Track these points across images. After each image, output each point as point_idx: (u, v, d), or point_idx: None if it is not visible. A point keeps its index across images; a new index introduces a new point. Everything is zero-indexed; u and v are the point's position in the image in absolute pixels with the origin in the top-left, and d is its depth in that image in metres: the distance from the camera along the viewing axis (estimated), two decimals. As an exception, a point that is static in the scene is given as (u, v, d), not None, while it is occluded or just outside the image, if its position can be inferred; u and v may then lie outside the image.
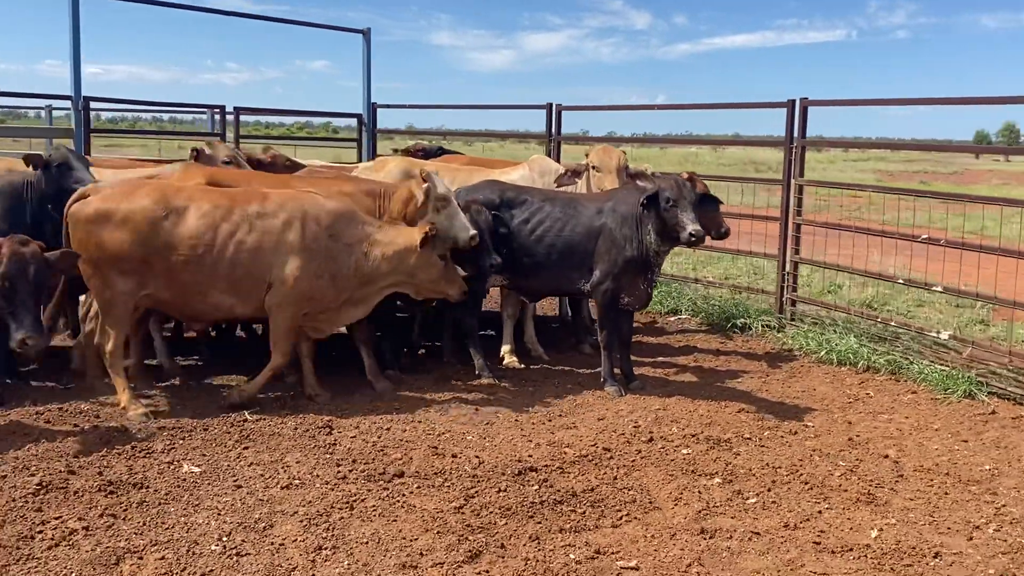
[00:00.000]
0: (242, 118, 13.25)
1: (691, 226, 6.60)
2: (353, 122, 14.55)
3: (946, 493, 5.54)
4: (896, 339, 8.68)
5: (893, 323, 8.88)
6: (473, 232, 6.83)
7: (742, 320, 9.79)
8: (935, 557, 4.67)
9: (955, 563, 4.63)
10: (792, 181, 9.55)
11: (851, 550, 4.73)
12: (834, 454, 6.15)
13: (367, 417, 6.51)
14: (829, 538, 4.86)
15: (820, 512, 5.19)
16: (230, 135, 12.88)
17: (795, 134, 9.49)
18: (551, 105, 12.09)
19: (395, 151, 12.39)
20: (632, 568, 4.45)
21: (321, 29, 14.42)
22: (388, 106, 14.56)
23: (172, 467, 5.49)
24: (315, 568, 4.34)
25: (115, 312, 6.30)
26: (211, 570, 4.30)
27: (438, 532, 4.74)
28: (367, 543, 4.59)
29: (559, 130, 12.07)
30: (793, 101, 9.46)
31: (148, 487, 5.20)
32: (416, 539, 4.65)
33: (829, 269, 9.81)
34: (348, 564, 4.38)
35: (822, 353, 8.69)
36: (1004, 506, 5.35)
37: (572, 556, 4.52)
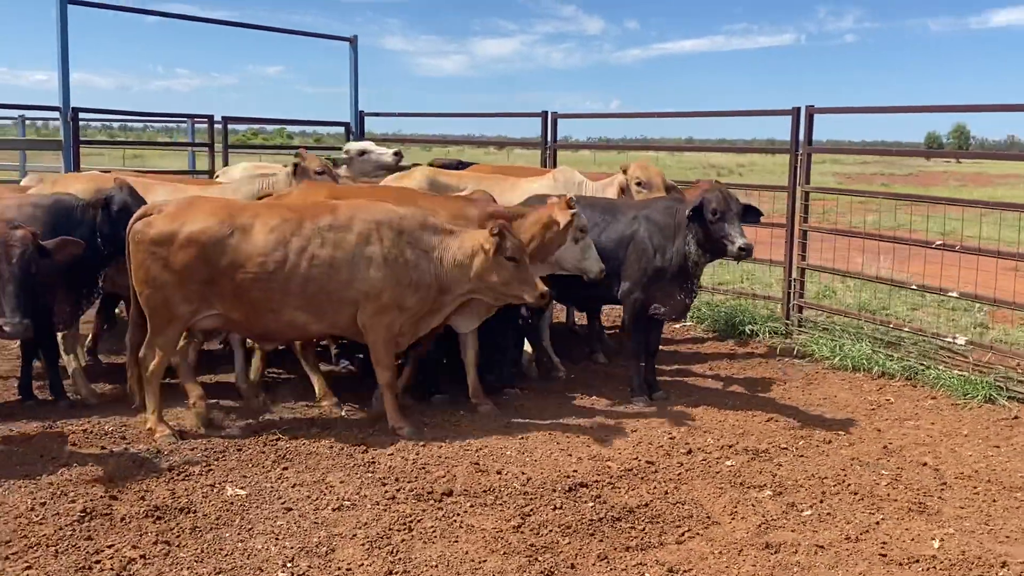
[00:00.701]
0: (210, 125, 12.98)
1: (740, 240, 6.57)
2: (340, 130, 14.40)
3: (994, 500, 5.56)
4: (903, 344, 8.73)
5: (907, 328, 8.91)
6: (602, 267, 6.81)
7: (749, 327, 9.79)
8: (1003, 567, 4.68)
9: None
10: (798, 188, 9.58)
11: (917, 561, 4.72)
12: (873, 463, 6.16)
13: (387, 436, 6.41)
14: (893, 550, 4.84)
15: (877, 523, 5.17)
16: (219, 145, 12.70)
17: (800, 140, 9.51)
18: (546, 113, 12.06)
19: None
20: (710, 587, 4.39)
21: (307, 37, 14.29)
22: (376, 114, 14.49)
23: (215, 490, 5.35)
24: (391, 595, 4.24)
25: (168, 334, 6.11)
26: (282, 597, 4.19)
27: (504, 553, 4.66)
28: (436, 566, 4.50)
29: (555, 137, 12.05)
30: (798, 109, 9.51)
31: (196, 511, 5.06)
32: (485, 561, 4.57)
33: (837, 275, 9.84)
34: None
35: (836, 359, 8.72)
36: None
37: (647, 575, 4.46)
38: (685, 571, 4.54)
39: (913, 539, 4.99)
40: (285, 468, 5.73)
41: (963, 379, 7.86)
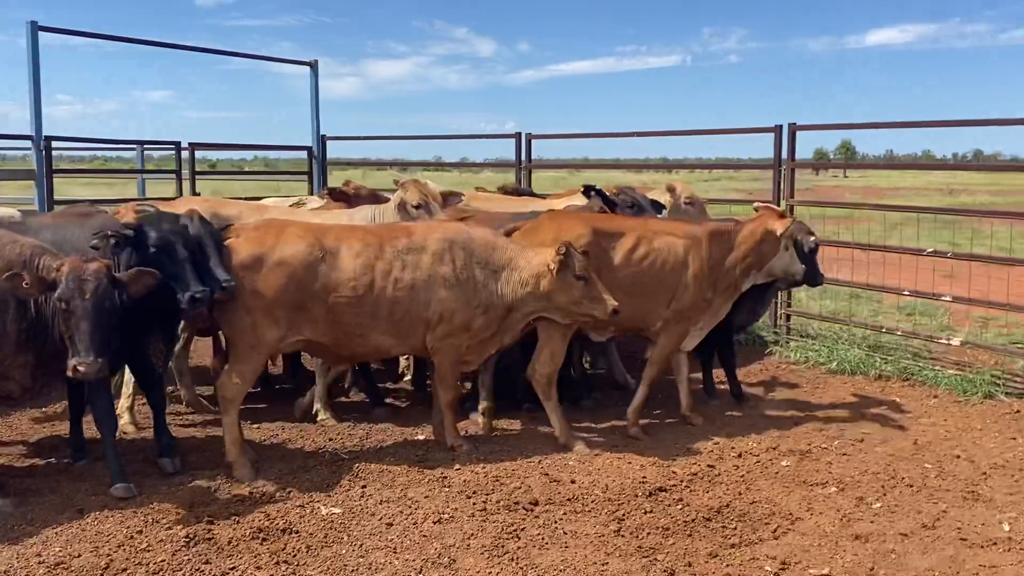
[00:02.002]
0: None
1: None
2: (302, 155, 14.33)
3: (1036, 490, 5.94)
4: (894, 347, 9.20)
5: (899, 332, 9.38)
6: (802, 268, 7.16)
7: (742, 335, 10.12)
8: (1073, 544, 5.04)
9: (1093, 548, 5.02)
10: (783, 201, 10.00)
11: (995, 544, 5.06)
12: (910, 457, 6.52)
13: (447, 452, 6.53)
14: (969, 534, 5.17)
15: (944, 511, 5.51)
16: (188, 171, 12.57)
17: (783, 156, 9.94)
18: (520, 134, 12.30)
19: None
20: (824, 575, 4.64)
21: (268, 61, 14.28)
22: (339, 138, 14.50)
23: (310, 510, 5.39)
24: (533, 598, 4.37)
25: (253, 360, 6.04)
26: (429, 608, 4.28)
27: (619, 555, 4.83)
28: (563, 571, 4.65)
29: (529, 158, 12.28)
30: (780, 126, 9.94)
31: (298, 531, 5.10)
32: (606, 563, 4.73)
33: (830, 285, 10.25)
34: (564, 591, 4.43)
35: (833, 364, 9.13)
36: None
37: (767, 568, 4.69)
38: (796, 563, 4.78)
39: (983, 524, 5.33)
40: (364, 486, 5.79)
41: (961, 377, 8.34)
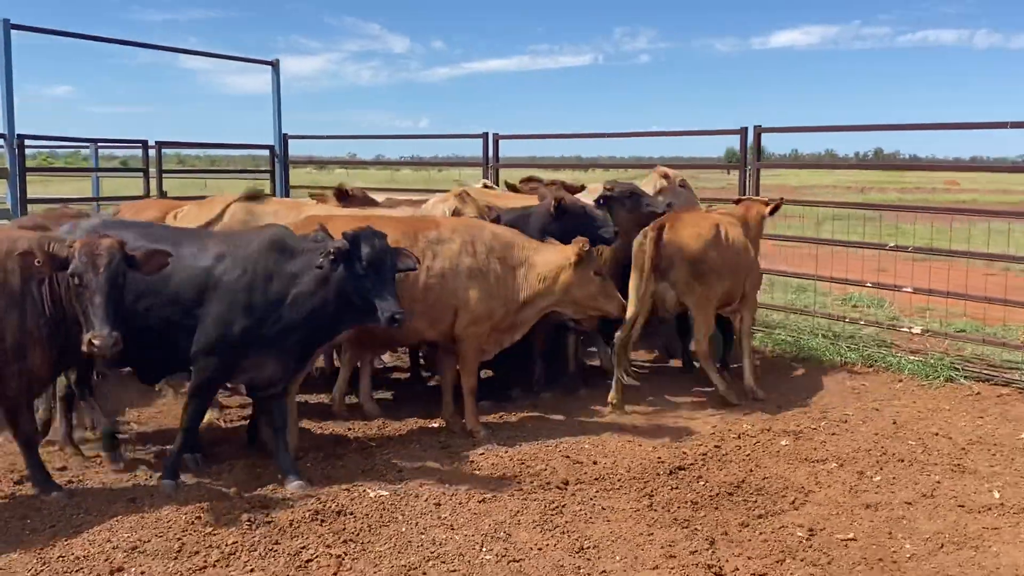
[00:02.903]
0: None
1: None
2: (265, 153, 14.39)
3: (1012, 460, 6.52)
4: (852, 335, 9.81)
5: (862, 321, 9.98)
6: None
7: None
8: (1058, 508, 5.60)
9: (1076, 511, 5.59)
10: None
11: (990, 509, 5.60)
12: (894, 435, 7.05)
13: (467, 438, 6.86)
14: (965, 502, 5.70)
15: (938, 482, 6.04)
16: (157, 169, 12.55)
17: (749, 157, 10.46)
18: (487, 134, 12.61)
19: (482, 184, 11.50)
20: (851, 539, 5.11)
21: (229, 60, 14.25)
22: (301, 137, 14.61)
23: (358, 493, 5.65)
24: (594, 565, 4.73)
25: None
26: (495, 572, 4.63)
27: (660, 527, 5.23)
28: (616, 541, 5.02)
29: (496, 157, 12.60)
30: (746, 128, 10.45)
31: (352, 513, 5.37)
32: (651, 534, 5.12)
33: (790, 278, 10.84)
34: (620, 559, 4.81)
35: (799, 352, 9.67)
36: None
37: (798, 535, 5.14)
38: (821, 530, 5.24)
39: (975, 492, 5.87)
40: (400, 471, 6.07)
41: (923, 363, 8.95)
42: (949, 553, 4.98)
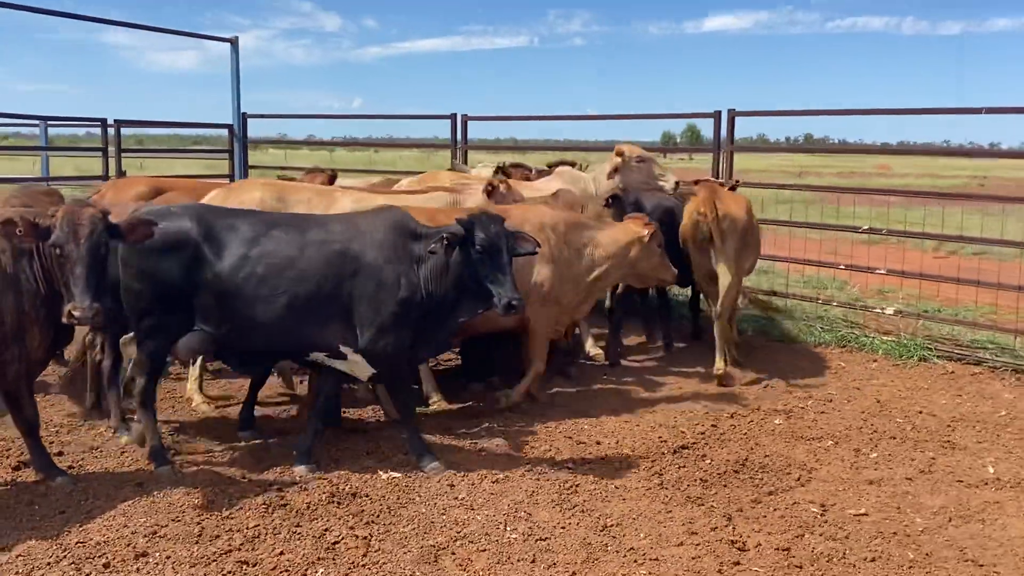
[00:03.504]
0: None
1: None
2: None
3: (998, 436, 6.73)
4: (822, 317, 10.01)
5: (835, 303, 10.19)
6: None
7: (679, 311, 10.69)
8: (1052, 481, 5.80)
9: (1069, 483, 5.80)
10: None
11: (987, 483, 5.78)
12: (880, 414, 7.23)
13: (470, 420, 6.89)
14: (963, 477, 5.88)
15: (933, 459, 6.21)
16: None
17: (722, 140, 10.58)
18: (455, 115, 12.56)
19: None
20: (863, 514, 5.23)
21: (182, 36, 14.02)
22: (260, 116, 14.42)
23: (371, 475, 5.62)
24: (620, 542, 4.78)
25: None
26: (528, 554, 4.63)
27: (676, 504, 5.30)
28: (636, 519, 5.08)
29: (465, 138, 12.57)
30: (720, 112, 10.57)
31: (368, 495, 5.34)
32: (670, 512, 5.19)
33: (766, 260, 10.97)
34: (645, 535, 4.87)
35: (775, 333, 9.84)
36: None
37: (813, 510, 5.25)
38: (833, 505, 5.36)
39: (970, 467, 6.05)
40: (406, 453, 6.03)
41: (896, 343, 9.18)
42: (958, 527, 5.12)
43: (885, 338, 9.37)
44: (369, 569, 4.47)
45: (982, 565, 4.65)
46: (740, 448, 6.31)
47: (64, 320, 4.87)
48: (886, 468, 6.02)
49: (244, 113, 14.17)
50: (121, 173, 12.28)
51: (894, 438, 6.63)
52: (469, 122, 12.61)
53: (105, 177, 12.28)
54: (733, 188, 8.79)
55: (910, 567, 4.61)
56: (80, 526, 4.83)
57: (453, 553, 4.65)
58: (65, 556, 4.50)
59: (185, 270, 5.44)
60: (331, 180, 9.16)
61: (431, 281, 5.55)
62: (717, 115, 10.60)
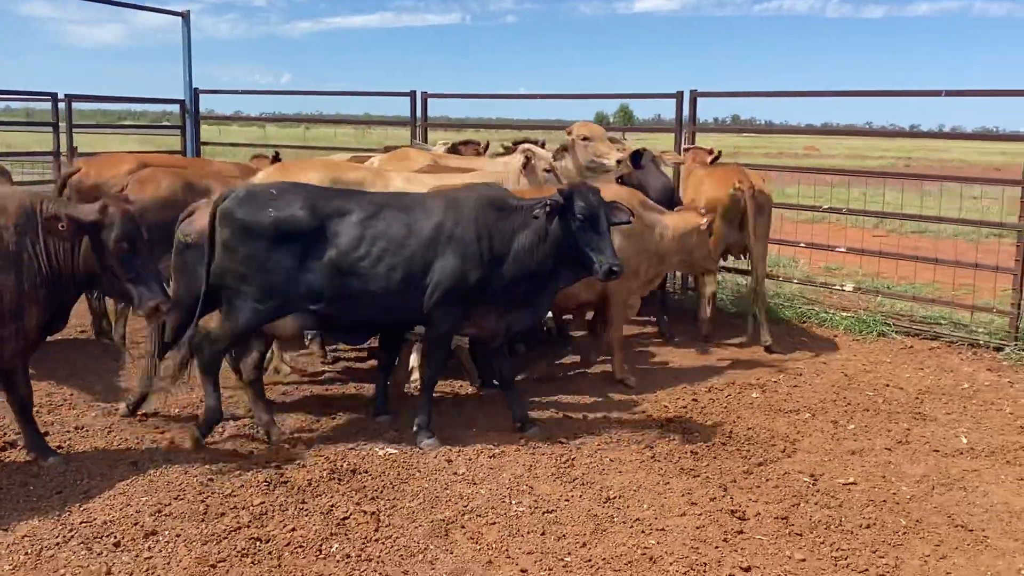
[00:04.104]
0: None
1: None
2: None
3: (965, 408, 6.98)
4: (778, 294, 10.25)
5: (795, 280, 10.41)
6: None
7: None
8: (1020, 450, 6.06)
9: (1041, 449, 6.06)
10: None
11: (962, 453, 6.01)
12: (850, 387, 7.44)
13: (459, 399, 6.96)
14: (940, 447, 6.10)
15: (908, 430, 6.42)
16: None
17: (684, 120, 10.71)
18: (415, 92, 12.50)
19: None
20: (852, 483, 5.41)
21: (137, 9, 13.66)
22: (214, 91, 14.17)
23: (367, 452, 5.64)
24: (625, 514, 4.89)
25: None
26: (537, 526, 4.71)
27: (673, 476, 5.43)
28: (637, 490, 5.20)
29: (425, 116, 12.51)
30: (682, 92, 10.68)
31: (368, 471, 5.37)
32: (668, 483, 5.31)
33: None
34: (648, 506, 4.99)
35: (733, 311, 10.01)
36: (1020, 407, 6.92)
37: (804, 480, 5.42)
38: (822, 475, 5.53)
39: (943, 438, 6.28)
40: (397, 431, 6.06)
41: (856, 319, 9.44)
42: (942, 494, 5.32)
43: (844, 314, 9.62)
44: (383, 544, 4.50)
45: (971, 530, 4.84)
46: (724, 421, 6.47)
47: (148, 315, 5.16)
48: (865, 439, 6.22)
49: (196, 89, 13.91)
50: (72, 149, 11.99)
51: (867, 410, 6.83)
52: (429, 100, 12.55)
53: (57, 154, 11.99)
54: (716, 159, 8.94)
55: (904, 533, 4.78)
56: (80, 506, 4.80)
57: (463, 527, 4.71)
58: (72, 535, 4.46)
59: (297, 254, 5.51)
60: (275, 161, 9.05)
61: (529, 251, 5.71)
62: (679, 95, 10.70)
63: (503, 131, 12.95)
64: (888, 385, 7.53)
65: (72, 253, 5.01)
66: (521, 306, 5.91)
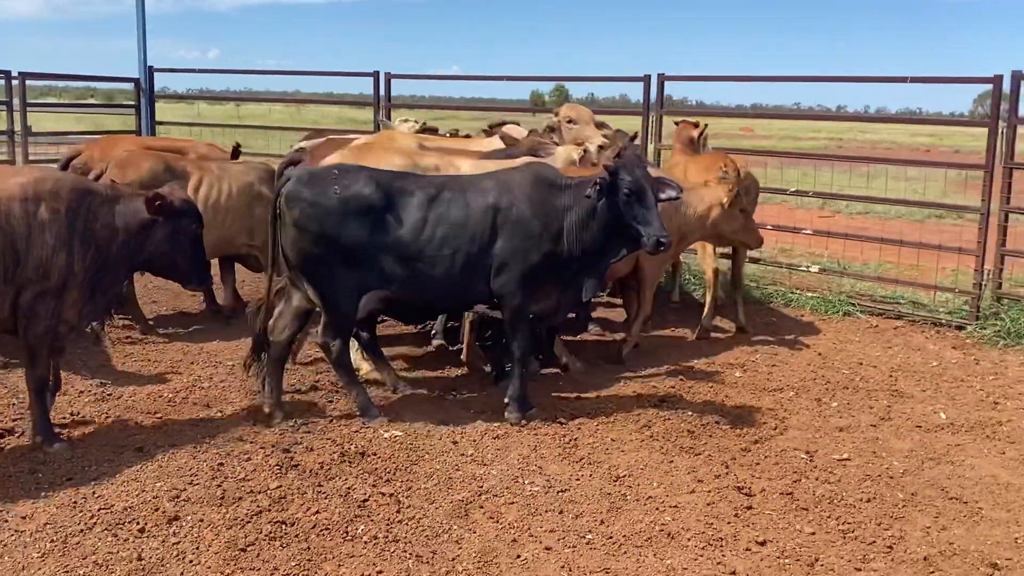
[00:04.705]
0: None
1: None
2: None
3: (938, 385, 7.25)
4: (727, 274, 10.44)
5: (762, 261, 10.64)
6: None
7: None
8: (1000, 425, 6.33)
9: (1010, 424, 6.33)
10: (650, 146, 10.93)
11: (943, 428, 6.26)
12: (825, 366, 7.69)
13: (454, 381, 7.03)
14: (921, 423, 6.34)
15: (888, 406, 6.66)
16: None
17: (651, 104, 10.85)
18: (378, 73, 12.45)
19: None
20: (846, 459, 5.61)
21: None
22: (170, 70, 13.95)
23: (372, 434, 5.69)
24: (636, 492, 5.02)
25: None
26: (554, 505, 4.82)
27: (676, 454, 5.57)
28: (644, 468, 5.33)
29: (388, 96, 12.48)
30: (649, 76, 10.82)
31: (375, 454, 5.42)
32: (672, 461, 5.46)
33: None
34: (658, 484, 5.12)
35: (699, 292, 10.20)
36: (989, 384, 7.21)
37: (802, 457, 5.60)
38: (816, 451, 5.72)
39: (924, 414, 6.54)
40: (398, 412, 6.12)
41: (821, 299, 9.70)
42: (932, 468, 5.56)
43: (810, 294, 9.87)
44: (407, 525, 4.57)
45: (966, 503, 5.07)
46: (714, 400, 6.64)
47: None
48: (849, 416, 6.44)
49: (151, 67, 13.67)
50: (26, 128, 11.77)
51: (847, 388, 7.06)
52: (395, 80, 12.52)
53: (11, 133, 11.74)
54: (702, 133, 9.14)
55: (903, 506, 4.99)
56: (94, 492, 4.79)
57: (481, 507, 4.80)
58: (94, 522, 4.45)
59: (368, 233, 5.63)
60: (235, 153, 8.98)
61: (579, 228, 5.85)
62: (647, 79, 10.84)
63: (466, 112, 12.98)
64: (862, 364, 7.78)
65: (144, 237, 5.34)
66: (576, 282, 6.06)
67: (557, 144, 8.46)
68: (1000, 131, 8.70)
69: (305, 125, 15.11)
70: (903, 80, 9.39)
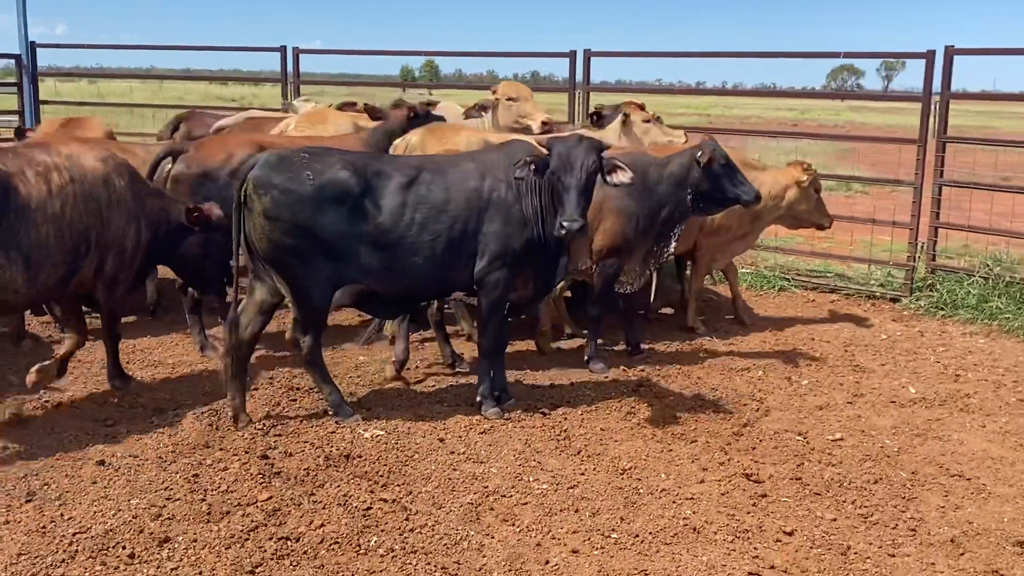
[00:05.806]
0: None
1: None
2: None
3: (895, 359, 7.31)
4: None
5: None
6: None
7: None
8: (968, 398, 6.39)
9: (978, 396, 6.39)
10: (577, 123, 10.72)
11: (915, 403, 6.30)
12: (782, 342, 7.66)
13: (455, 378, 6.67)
14: (896, 398, 6.36)
15: (858, 382, 6.68)
16: None
17: (578, 80, 10.65)
18: (284, 48, 11.90)
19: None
20: (840, 439, 5.55)
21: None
22: (53, 46, 13.06)
23: (352, 434, 5.33)
24: (646, 484, 4.82)
25: None
26: (568, 504, 4.59)
27: (671, 442, 5.41)
28: (646, 459, 5.14)
29: (297, 73, 11.95)
30: (575, 52, 10.62)
31: (360, 456, 5.07)
32: (671, 449, 5.30)
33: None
34: (666, 476, 4.94)
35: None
36: (942, 356, 7.29)
37: (796, 439, 5.51)
38: (807, 432, 5.66)
39: (891, 388, 6.57)
40: (369, 409, 5.79)
41: (755, 274, 9.72)
42: (923, 445, 5.55)
43: (744, 270, 9.87)
44: (421, 533, 4.27)
45: (968, 479, 5.07)
46: (695, 384, 6.52)
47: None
48: (824, 394, 6.41)
49: (32, 42, 12.70)
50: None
51: (811, 366, 7.04)
52: (303, 56, 11.98)
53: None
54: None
55: (911, 486, 4.95)
56: (62, 515, 4.32)
57: (492, 509, 4.54)
58: (77, 550, 4.00)
59: (344, 221, 5.24)
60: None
61: (540, 208, 5.58)
62: (572, 55, 10.64)
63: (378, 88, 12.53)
64: (814, 339, 7.80)
65: (176, 236, 6.05)
66: (548, 269, 5.78)
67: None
68: (932, 105, 8.83)
69: (168, 102, 14.38)
70: (836, 55, 9.45)
